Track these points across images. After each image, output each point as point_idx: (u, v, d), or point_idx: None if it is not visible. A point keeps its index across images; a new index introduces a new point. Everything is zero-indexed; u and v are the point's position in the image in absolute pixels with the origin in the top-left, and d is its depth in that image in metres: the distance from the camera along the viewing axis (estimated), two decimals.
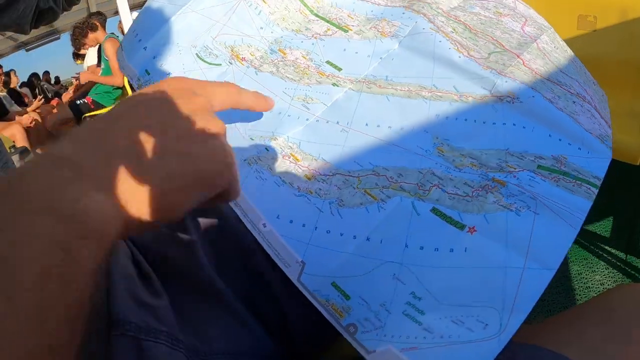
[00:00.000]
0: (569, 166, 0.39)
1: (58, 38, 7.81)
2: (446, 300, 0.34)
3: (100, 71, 3.88)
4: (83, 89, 4.11)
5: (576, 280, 1.28)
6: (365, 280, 0.37)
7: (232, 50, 0.55)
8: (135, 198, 0.24)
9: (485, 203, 0.38)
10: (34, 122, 3.75)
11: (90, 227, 0.21)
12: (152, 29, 0.57)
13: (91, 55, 4.45)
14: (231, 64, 0.55)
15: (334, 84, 0.49)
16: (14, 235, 0.19)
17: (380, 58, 0.50)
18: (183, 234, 0.47)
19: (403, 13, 0.54)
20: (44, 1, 0.63)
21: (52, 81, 8.13)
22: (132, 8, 3.85)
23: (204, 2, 0.57)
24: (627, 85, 1.71)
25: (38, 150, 3.72)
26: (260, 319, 0.46)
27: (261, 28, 0.57)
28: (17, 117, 3.69)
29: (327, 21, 0.56)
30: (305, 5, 0.58)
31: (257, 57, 0.55)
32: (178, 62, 0.54)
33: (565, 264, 1.34)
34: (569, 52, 0.54)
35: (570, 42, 1.74)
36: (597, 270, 1.31)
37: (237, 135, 0.47)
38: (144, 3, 0.65)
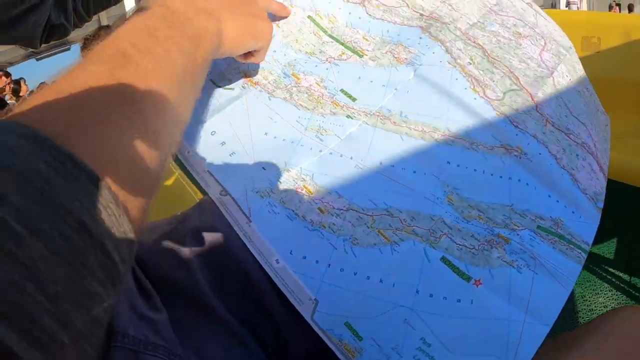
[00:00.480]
0: (564, 229, 0.43)
1: (68, 49, 7.92)
2: (455, 349, 0.36)
3: None
4: None
5: (579, 303, 1.27)
6: (377, 323, 0.38)
7: (245, 75, 0.54)
8: (227, 26, 0.39)
9: (490, 258, 0.40)
10: None
11: (207, 37, 0.36)
12: None
13: None
14: (244, 88, 0.53)
15: (348, 116, 0.49)
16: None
17: (395, 89, 0.50)
18: (184, 255, 0.47)
19: (420, 38, 0.54)
20: (55, 16, 0.63)
21: None
22: None
23: None
24: (631, 105, 1.72)
25: None
26: (260, 342, 0.46)
27: (274, 51, 0.55)
28: None
29: (342, 43, 0.55)
30: (319, 26, 0.57)
31: (270, 81, 0.53)
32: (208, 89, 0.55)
33: None
34: (582, 79, 0.57)
35: None
36: (600, 292, 1.30)
37: (250, 166, 0.47)
38: None
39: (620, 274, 1.36)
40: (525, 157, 0.46)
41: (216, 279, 0.46)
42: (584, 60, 2.07)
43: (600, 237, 1.53)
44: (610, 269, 1.39)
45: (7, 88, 3.99)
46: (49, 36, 0.66)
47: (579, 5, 14.80)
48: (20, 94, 5.19)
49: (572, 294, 1.30)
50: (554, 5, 15.03)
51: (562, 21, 2.19)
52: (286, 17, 0.55)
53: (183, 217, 0.53)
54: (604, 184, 0.51)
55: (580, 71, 0.60)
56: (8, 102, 4.21)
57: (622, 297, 1.28)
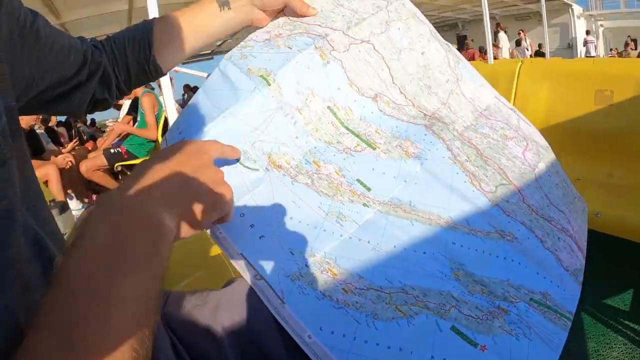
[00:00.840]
0: (552, 301, 0.51)
1: None
2: None
3: (136, 123, 4.04)
4: (118, 138, 4.29)
5: (593, 357, 1.29)
6: None
7: (269, 157, 0.58)
8: (183, 212, 0.40)
9: (492, 326, 0.47)
10: (68, 164, 3.87)
11: (164, 229, 0.36)
12: (196, 129, 0.61)
13: (127, 106, 4.68)
14: (268, 170, 0.58)
15: (364, 204, 0.56)
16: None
17: (405, 181, 0.58)
18: (216, 332, 0.53)
19: (425, 135, 0.62)
20: (99, 92, 0.68)
21: (88, 123, 8.43)
22: None
23: (244, 108, 0.60)
24: None
25: (72, 195, 3.85)
26: None
27: (296, 137, 0.60)
28: (52, 157, 3.80)
29: (357, 136, 0.62)
30: (336, 117, 0.63)
31: (293, 165, 0.59)
32: (218, 165, 0.60)
33: (582, 341, 1.35)
34: (559, 174, 0.67)
35: (588, 117, 1.85)
36: (614, 346, 1.31)
37: (279, 250, 0.52)
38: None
39: (636, 327, 1.38)
40: (516, 241, 0.54)
41: (242, 354, 0.52)
42: (596, 114, 2.13)
43: (616, 290, 1.56)
44: (625, 322, 1.41)
45: (36, 118, 4.15)
46: (92, 109, 0.70)
47: (596, 44, 14.86)
48: (49, 124, 5.37)
49: (586, 348, 1.32)
50: (570, 46, 15.13)
51: (574, 72, 2.25)
52: (237, 157, 0.56)
53: (218, 293, 0.59)
54: (583, 262, 0.59)
55: (556, 167, 0.70)
56: (37, 130, 4.35)
57: (637, 350, 1.29)
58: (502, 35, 11.91)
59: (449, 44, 0.77)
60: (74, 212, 2.93)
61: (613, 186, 1.79)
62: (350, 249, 0.52)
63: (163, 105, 4.05)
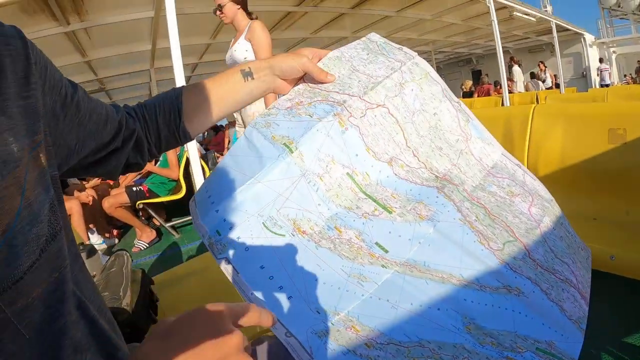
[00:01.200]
0: (556, 350, 0.55)
1: None
2: None
3: (158, 162, 4.14)
4: (140, 175, 4.39)
5: None
6: None
7: (294, 223, 0.63)
8: None
9: None
10: (91, 200, 3.98)
11: None
12: (224, 193, 0.65)
13: None
14: (293, 235, 0.62)
15: (382, 266, 0.61)
16: None
17: (419, 242, 0.62)
18: None
19: (437, 197, 0.67)
20: (132, 157, 0.72)
21: None
22: None
23: (269, 175, 0.64)
24: None
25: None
26: None
27: (319, 204, 0.65)
28: (75, 192, 3.90)
29: (374, 200, 0.67)
30: (355, 183, 0.68)
31: (316, 231, 0.63)
32: (246, 229, 0.62)
33: None
34: (563, 225, 0.72)
35: (601, 156, 1.90)
36: None
37: (306, 309, 0.57)
38: None
39: None
40: (522, 295, 0.59)
41: None
42: (610, 153, 2.16)
43: (637, 328, 1.56)
44: None
45: None
46: (125, 171, 0.75)
47: (610, 71, 14.83)
48: None
49: None
50: (584, 75, 15.13)
51: (588, 114, 2.30)
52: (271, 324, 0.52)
53: (248, 347, 0.65)
54: (586, 309, 0.63)
55: (561, 219, 0.75)
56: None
57: None
58: (516, 69, 12.01)
59: (460, 101, 0.81)
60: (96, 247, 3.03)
61: (631, 224, 1.79)
62: (371, 307, 0.57)
63: (185, 146, 4.19)
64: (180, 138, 0.75)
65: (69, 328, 0.42)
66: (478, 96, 10.37)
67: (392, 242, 0.63)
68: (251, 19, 2.85)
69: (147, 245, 3.93)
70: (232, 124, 7.79)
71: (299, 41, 9.53)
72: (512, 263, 0.61)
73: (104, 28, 5.38)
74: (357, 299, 0.58)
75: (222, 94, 0.76)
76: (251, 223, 0.62)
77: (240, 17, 2.84)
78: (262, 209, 0.63)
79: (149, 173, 4.18)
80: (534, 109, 2.37)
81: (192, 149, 4.19)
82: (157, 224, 4.13)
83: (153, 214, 3.96)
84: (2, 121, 0.42)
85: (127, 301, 0.98)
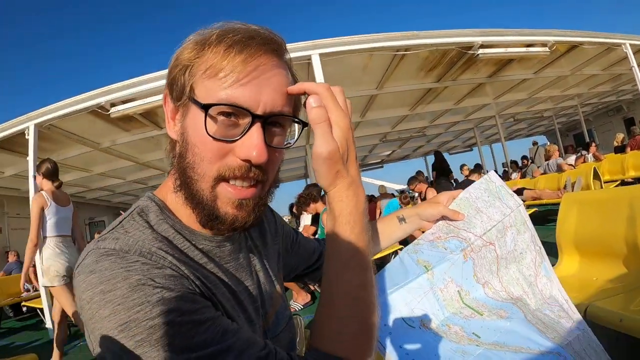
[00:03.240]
0: None
1: (278, 186, 9.58)
2: None
3: (316, 234, 4.75)
4: None
5: None
6: None
7: (421, 321, 0.92)
8: None
9: None
10: None
11: None
12: (379, 291, 0.94)
13: (305, 219, 5.47)
14: (421, 328, 0.91)
15: (477, 345, 0.91)
16: None
17: (500, 332, 0.94)
18: None
19: (512, 307, 0.97)
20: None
21: None
22: None
23: (410, 284, 0.97)
24: None
25: None
26: None
27: (438, 309, 0.95)
28: None
29: (471, 308, 0.98)
30: (461, 297, 0.98)
31: (434, 327, 0.93)
32: (391, 320, 0.93)
33: None
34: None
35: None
36: None
37: None
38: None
39: None
40: (561, 356, 0.88)
41: None
42: None
43: None
44: None
45: None
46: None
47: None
48: None
49: None
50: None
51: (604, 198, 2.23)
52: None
53: None
54: None
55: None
56: None
57: None
58: None
59: (541, 246, 1.04)
60: None
61: None
62: None
63: None
64: None
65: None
66: (631, 149, 9.23)
67: (483, 332, 0.94)
68: None
69: (302, 307, 4.38)
70: (383, 195, 8.41)
71: (443, 112, 9.95)
72: (560, 343, 0.90)
73: None
74: None
75: (384, 232, 1.09)
76: (395, 315, 0.94)
77: None
78: (401, 307, 0.94)
79: None
80: None
81: None
82: (312, 288, 4.60)
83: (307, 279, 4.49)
84: (272, 264, 0.83)
85: None
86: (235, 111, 0.57)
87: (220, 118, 0.58)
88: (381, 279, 1.00)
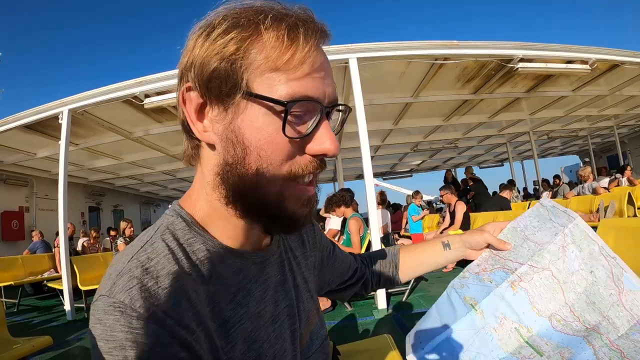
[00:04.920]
0: None
1: None
2: None
3: (342, 240, 4.70)
4: None
5: None
6: None
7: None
8: None
9: None
10: None
11: None
12: (429, 335, 0.94)
13: (334, 222, 5.41)
14: None
15: None
16: None
17: None
18: None
19: (580, 343, 0.86)
20: (359, 289, 1.05)
21: None
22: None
23: (459, 325, 0.91)
24: None
25: None
26: None
27: (492, 350, 0.86)
28: None
29: (532, 347, 0.88)
30: (520, 335, 0.89)
31: None
32: None
33: None
34: None
35: None
36: None
37: None
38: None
39: None
40: None
41: None
42: None
43: None
44: None
45: None
46: (352, 298, 1.10)
47: None
48: None
49: None
50: None
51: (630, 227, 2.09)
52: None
53: None
54: None
55: None
56: None
57: None
58: None
59: (616, 256, 0.88)
60: None
61: None
62: None
63: (368, 229, 4.66)
64: (394, 282, 1.08)
65: None
66: None
67: None
68: None
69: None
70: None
71: (477, 125, 9.87)
72: None
73: None
74: None
75: (427, 257, 1.06)
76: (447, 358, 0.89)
77: None
78: (452, 350, 0.89)
79: None
80: None
81: (375, 234, 4.64)
82: None
83: None
84: (310, 277, 0.81)
85: None
86: (307, 105, 0.53)
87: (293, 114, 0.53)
88: (431, 319, 0.97)
